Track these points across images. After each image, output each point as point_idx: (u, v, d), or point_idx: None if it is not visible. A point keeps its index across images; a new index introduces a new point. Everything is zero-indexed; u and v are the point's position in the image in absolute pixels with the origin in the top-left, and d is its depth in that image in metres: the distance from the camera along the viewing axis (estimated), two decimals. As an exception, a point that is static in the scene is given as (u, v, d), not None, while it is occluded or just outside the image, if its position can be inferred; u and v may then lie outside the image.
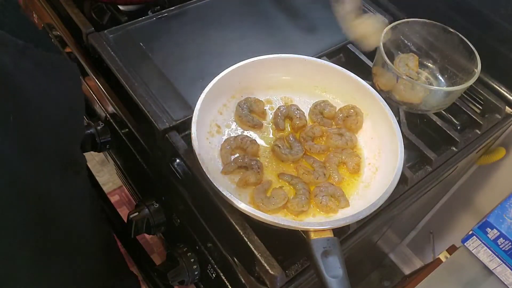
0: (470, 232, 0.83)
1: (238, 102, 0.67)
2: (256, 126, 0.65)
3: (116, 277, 0.67)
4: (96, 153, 0.81)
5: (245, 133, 0.65)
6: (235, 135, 0.63)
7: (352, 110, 0.67)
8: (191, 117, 0.59)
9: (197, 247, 0.63)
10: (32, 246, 0.45)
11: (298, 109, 0.67)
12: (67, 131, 0.49)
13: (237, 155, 0.62)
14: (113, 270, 0.66)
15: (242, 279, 0.56)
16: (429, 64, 0.78)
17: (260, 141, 0.64)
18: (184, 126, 0.64)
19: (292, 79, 0.71)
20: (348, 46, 0.82)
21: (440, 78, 0.77)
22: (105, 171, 1.50)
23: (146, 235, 0.72)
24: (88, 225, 0.57)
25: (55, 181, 0.47)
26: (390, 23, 0.74)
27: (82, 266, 0.56)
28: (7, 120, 0.38)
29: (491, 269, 0.82)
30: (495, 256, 0.80)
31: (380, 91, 0.68)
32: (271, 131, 0.66)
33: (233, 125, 0.66)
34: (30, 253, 0.46)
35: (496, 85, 0.83)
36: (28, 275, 0.46)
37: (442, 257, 0.95)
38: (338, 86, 0.71)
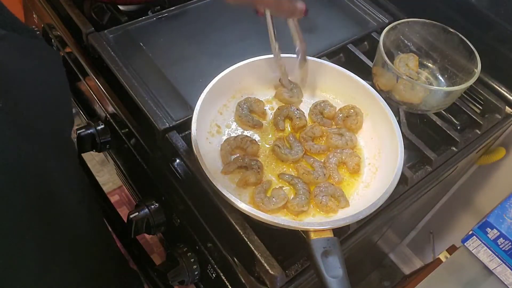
0: (470, 232, 0.83)
1: (238, 102, 0.67)
2: (256, 126, 0.65)
3: (122, 268, 0.67)
4: (96, 153, 0.81)
5: (245, 133, 0.65)
6: (235, 135, 0.63)
7: (352, 110, 0.67)
8: (191, 117, 0.59)
9: (197, 247, 0.63)
10: (35, 229, 0.45)
11: (298, 109, 0.67)
12: (58, 113, 0.49)
13: (237, 155, 0.62)
14: (115, 260, 0.66)
15: (242, 279, 0.56)
16: (429, 64, 0.78)
17: (260, 141, 0.64)
18: (184, 126, 0.64)
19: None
20: (348, 46, 0.82)
21: (440, 78, 0.77)
22: (105, 171, 1.50)
23: (146, 235, 0.72)
24: (86, 209, 0.57)
25: (52, 163, 0.47)
26: (390, 23, 0.74)
27: (86, 254, 0.56)
28: None
29: (491, 269, 0.82)
30: (495, 256, 0.80)
31: (380, 91, 0.68)
32: (270, 131, 0.66)
33: (233, 125, 0.66)
34: (35, 237, 0.46)
35: (496, 85, 0.83)
36: (34, 260, 0.46)
37: (442, 257, 0.95)
38: (338, 86, 0.71)
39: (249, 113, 0.66)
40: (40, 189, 0.45)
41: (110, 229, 0.73)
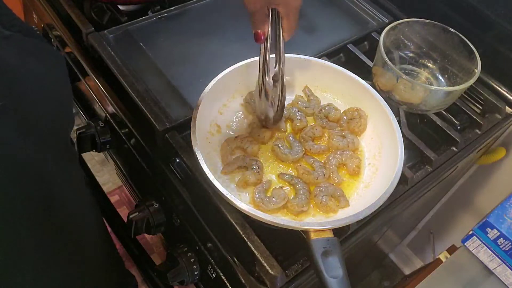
0: (470, 232, 0.83)
1: (244, 98, 0.68)
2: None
3: (119, 268, 0.67)
4: (96, 153, 0.81)
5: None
6: (236, 135, 0.63)
7: (356, 113, 0.67)
8: (191, 117, 0.59)
9: (197, 247, 0.63)
10: (35, 227, 0.45)
11: (299, 110, 0.67)
12: (60, 114, 0.49)
13: (237, 155, 0.62)
14: (114, 262, 0.66)
15: (242, 279, 0.56)
16: (429, 64, 0.78)
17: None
18: (184, 126, 0.64)
19: (292, 79, 0.71)
20: (348, 46, 0.82)
21: (440, 78, 0.77)
22: (105, 171, 1.50)
23: (146, 235, 0.72)
24: (87, 211, 0.57)
25: (52, 162, 0.47)
26: (390, 23, 0.74)
27: (85, 253, 0.56)
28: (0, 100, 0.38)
29: (491, 269, 0.82)
30: (495, 256, 0.80)
31: (380, 91, 0.68)
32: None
33: (234, 125, 0.66)
34: (34, 237, 0.46)
35: (496, 85, 0.83)
36: (33, 260, 0.46)
37: (442, 257, 0.95)
38: (338, 86, 0.71)
39: None
40: (39, 191, 0.45)
41: (109, 230, 0.73)
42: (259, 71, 0.60)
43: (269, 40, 0.57)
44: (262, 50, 0.59)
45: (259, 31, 0.55)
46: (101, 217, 0.69)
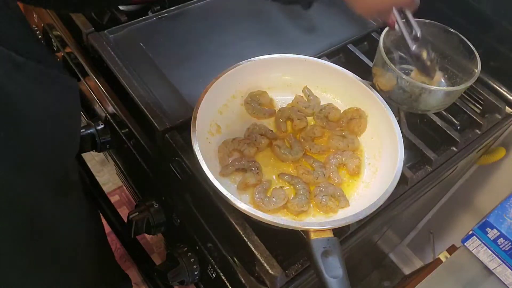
0: (470, 232, 0.83)
1: (245, 99, 0.68)
2: (272, 114, 0.67)
3: (110, 283, 0.67)
4: (96, 153, 0.81)
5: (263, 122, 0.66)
6: (235, 136, 0.63)
7: (356, 113, 0.67)
8: (191, 117, 0.59)
9: (197, 247, 0.63)
10: (23, 256, 0.45)
11: (299, 110, 0.67)
12: (63, 146, 0.48)
13: (234, 157, 0.62)
14: (107, 280, 0.66)
15: (242, 279, 0.56)
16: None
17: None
18: (184, 126, 0.64)
19: (292, 79, 0.71)
20: (348, 46, 0.82)
21: (440, 78, 0.77)
22: (105, 171, 1.50)
23: (146, 235, 0.72)
24: (82, 241, 0.56)
25: (47, 196, 0.46)
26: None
27: (75, 280, 0.56)
28: None
29: (491, 269, 0.82)
30: (495, 256, 0.80)
31: (380, 91, 0.68)
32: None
33: (234, 125, 0.66)
34: (22, 263, 0.45)
35: (496, 85, 0.83)
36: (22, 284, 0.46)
37: (442, 257, 0.95)
38: (338, 86, 0.71)
39: (258, 105, 0.67)
40: (30, 227, 0.44)
41: (108, 230, 0.72)
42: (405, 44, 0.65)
43: (400, 23, 0.64)
44: (399, 28, 0.64)
45: (389, 21, 0.64)
46: (105, 241, 0.69)
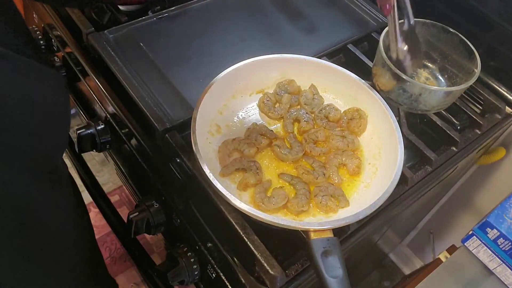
0: (470, 232, 0.83)
1: (260, 98, 0.68)
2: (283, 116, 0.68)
3: (100, 285, 0.67)
4: (96, 153, 0.81)
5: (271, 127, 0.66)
6: (234, 136, 0.63)
7: (356, 113, 0.67)
8: (191, 117, 0.59)
9: (197, 247, 0.63)
10: (13, 250, 0.45)
11: (307, 113, 0.68)
12: (49, 139, 0.47)
13: (234, 157, 0.62)
14: (96, 278, 0.65)
15: (242, 279, 0.56)
16: (429, 64, 0.78)
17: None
18: (184, 126, 0.64)
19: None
20: (348, 46, 0.82)
21: (440, 78, 0.77)
22: (105, 171, 1.50)
23: (146, 235, 0.72)
24: (71, 235, 0.56)
25: (35, 188, 0.46)
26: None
27: (65, 274, 0.55)
28: None
29: (491, 269, 0.82)
30: (495, 256, 0.80)
31: (380, 91, 0.68)
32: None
33: (234, 125, 0.66)
34: (12, 257, 0.45)
35: (496, 85, 0.83)
36: (12, 280, 0.46)
37: (442, 257, 0.95)
38: (338, 86, 0.71)
39: (272, 106, 0.68)
40: (18, 219, 0.44)
41: (110, 230, 0.72)
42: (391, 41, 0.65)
43: (395, 8, 0.63)
44: (391, 19, 0.64)
45: (386, 4, 0.62)
46: (94, 240, 0.68)
